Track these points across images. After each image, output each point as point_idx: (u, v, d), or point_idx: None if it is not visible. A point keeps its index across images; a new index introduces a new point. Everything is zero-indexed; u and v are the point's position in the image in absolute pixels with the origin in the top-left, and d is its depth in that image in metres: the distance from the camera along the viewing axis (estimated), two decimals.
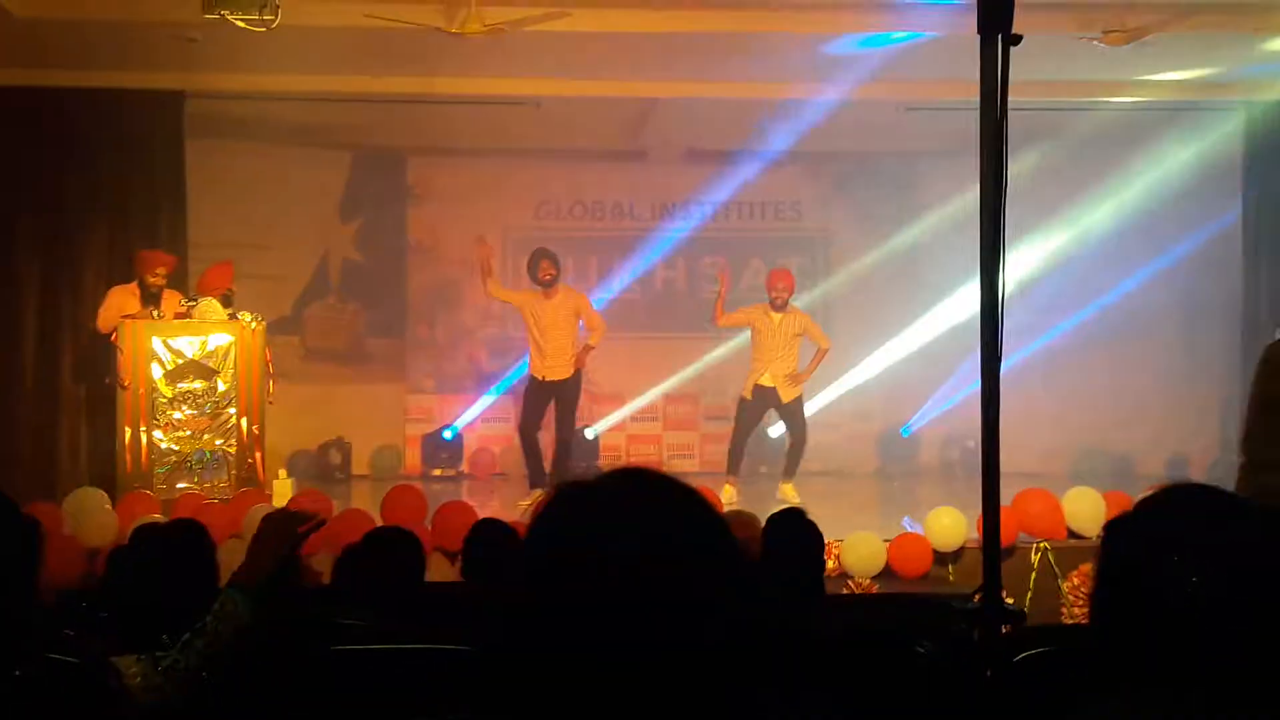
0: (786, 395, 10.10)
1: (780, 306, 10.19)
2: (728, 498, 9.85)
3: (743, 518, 5.70)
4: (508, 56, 9.61)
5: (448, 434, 12.26)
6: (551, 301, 10.03)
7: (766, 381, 10.12)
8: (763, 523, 5.58)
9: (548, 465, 10.05)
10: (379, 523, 7.36)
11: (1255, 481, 3.71)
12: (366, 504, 8.83)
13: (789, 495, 9.96)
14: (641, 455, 12.64)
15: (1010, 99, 3.64)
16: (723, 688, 1.34)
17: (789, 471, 10.17)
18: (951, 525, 8.03)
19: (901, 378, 12.58)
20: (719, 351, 12.36)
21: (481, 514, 8.39)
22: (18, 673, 2.13)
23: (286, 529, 2.96)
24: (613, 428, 12.72)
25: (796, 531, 4.68)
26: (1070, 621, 7.73)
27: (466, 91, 10.70)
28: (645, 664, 1.31)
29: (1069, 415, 12.22)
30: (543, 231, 12.79)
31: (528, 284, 10.32)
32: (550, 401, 10.10)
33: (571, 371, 10.04)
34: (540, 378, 10.00)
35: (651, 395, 12.83)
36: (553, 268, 10.05)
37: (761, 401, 10.18)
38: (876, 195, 12.85)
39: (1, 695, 2.10)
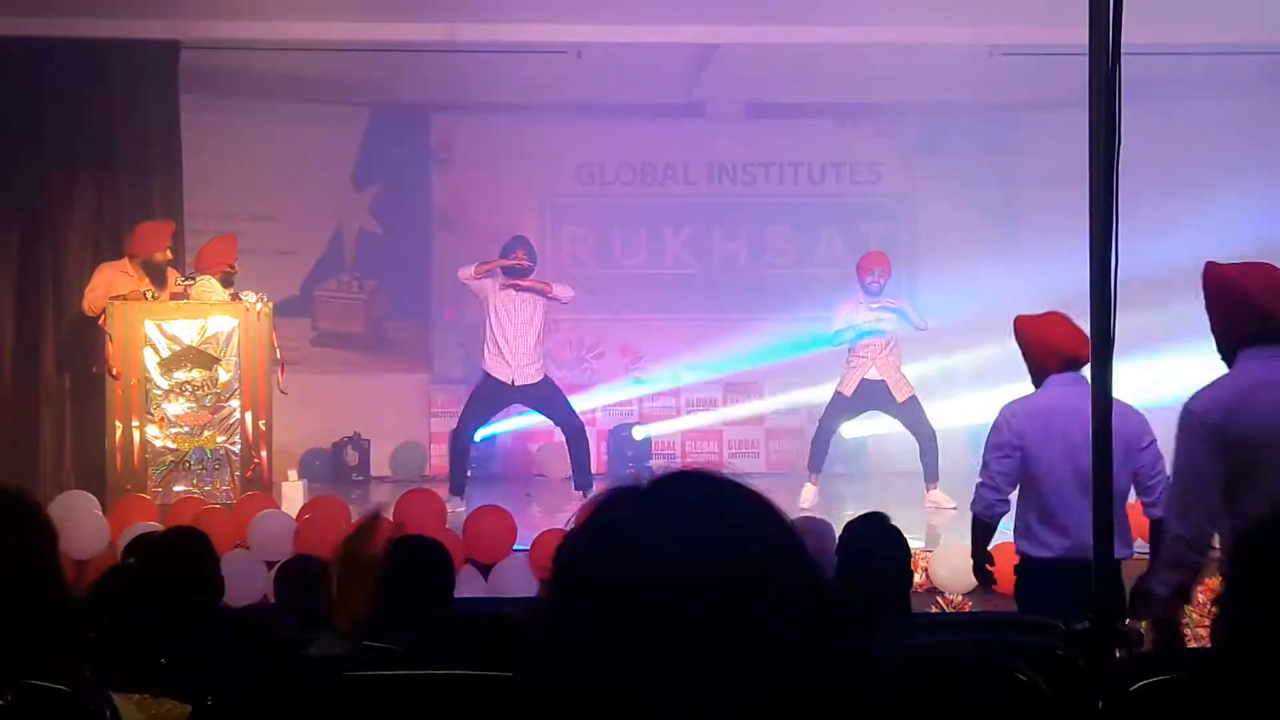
0: (901, 392, 10.09)
1: (877, 293, 10.20)
2: (808, 497, 9.91)
3: (815, 525, 5.70)
4: None
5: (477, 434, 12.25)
6: (523, 295, 10.06)
7: (874, 375, 10.12)
8: (838, 530, 5.58)
9: (563, 465, 10.17)
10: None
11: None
12: (386, 509, 8.88)
13: (941, 501, 10.00)
14: (699, 454, 12.65)
15: (1125, 41, 3.62)
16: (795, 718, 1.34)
17: (932, 475, 10.16)
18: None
19: (998, 364, 12.49)
20: (785, 335, 12.32)
21: (520, 521, 8.44)
22: (4, 700, 2.16)
23: (372, 553, 2.96)
24: (665, 416, 12.72)
25: (878, 540, 4.66)
26: (1194, 645, 7.66)
27: (498, 39, 10.72)
28: (703, 695, 1.32)
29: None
30: (585, 198, 12.82)
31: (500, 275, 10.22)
32: (505, 406, 10.27)
33: (541, 375, 10.11)
34: (506, 381, 10.02)
35: (709, 385, 12.82)
36: (528, 258, 10.10)
37: (867, 398, 10.16)
38: (966, 154, 12.77)
39: None
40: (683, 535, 1.36)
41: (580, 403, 11.57)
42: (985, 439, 5.38)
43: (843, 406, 10.24)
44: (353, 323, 12.89)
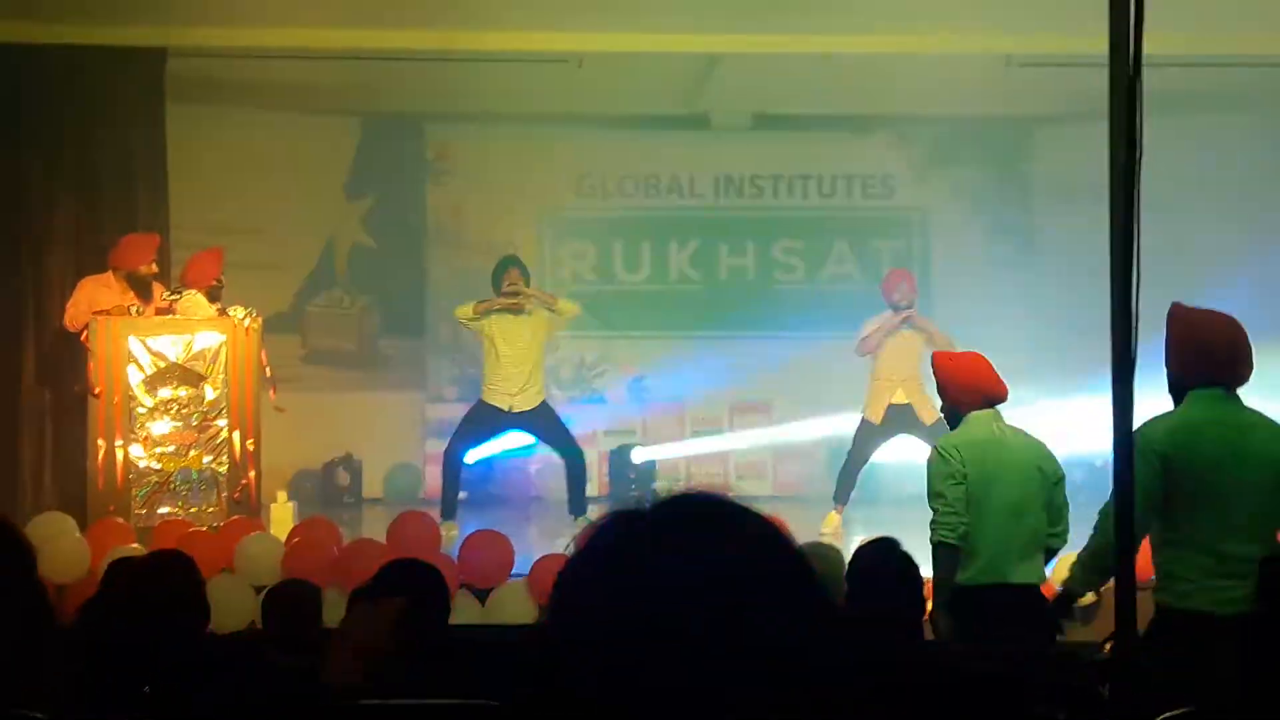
0: (928, 415, 10.05)
1: (904, 308, 10.24)
2: (832, 527, 9.91)
3: (823, 551, 5.69)
4: (543, 5, 9.65)
5: (469, 458, 12.24)
6: (521, 317, 10.08)
7: (900, 399, 10.12)
8: (848, 557, 5.58)
9: (563, 491, 10.21)
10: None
11: None
12: (379, 532, 8.87)
13: None
14: (704, 476, 12.63)
15: (1146, 52, 3.63)
16: None
17: None
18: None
19: (1013, 382, 12.49)
20: (795, 354, 12.31)
21: (518, 545, 8.43)
22: None
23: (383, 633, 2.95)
24: (669, 436, 12.72)
25: (889, 566, 4.67)
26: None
27: (496, 46, 10.74)
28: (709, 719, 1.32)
29: None
30: (585, 211, 12.83)
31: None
32: (500, 432, 10.30)
33: (540, 400, 10.13)
34: (504, 408, 10.03)
35: (714, 405, 12.81)
36: (521, 278, 10.12)
37: (896, 424, 10.16)
38: (981, 166, 12.78)
39: None
40: (687, 560, 1.36)
41: (581, 422, 11.58)
42: (930, 471, 5.74)
43: (874, 434, 10.22)
44: (345, 339, 12.89)
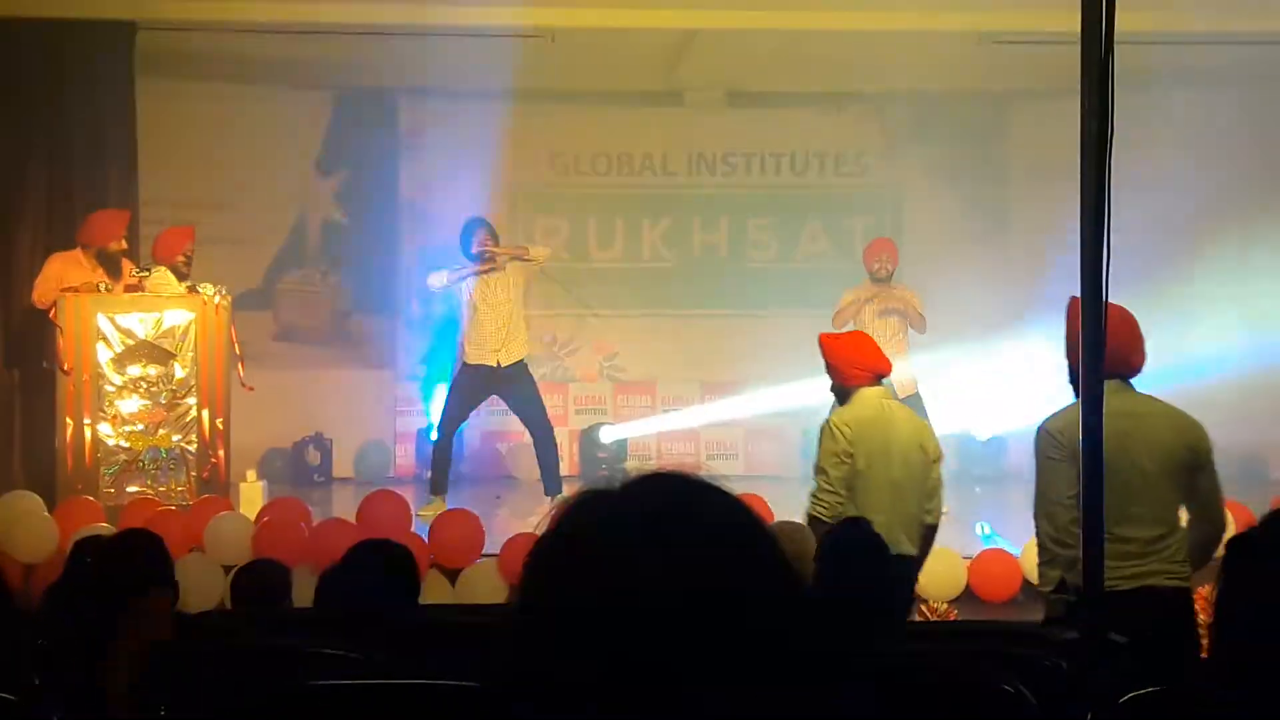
0: (903, 388, 10.06)
1: (883, 279, 10.23)
2: None
3: (793, 530, 5.71)
4: None
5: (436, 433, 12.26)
6: (498, 278, 10.12)
7: None
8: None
9: (535, 470, 10.23)
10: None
11: None
12: (349, 511, 8.87)
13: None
14: (675, 455, 12.64)
15: (1118, 29, 3.63)
16: None
17: None
18: None
19: (986, 360, 12.54)
20: (768, 332, 12.32)
21: (489, 524, 8.44)
22: None
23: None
24: (639, 415, 12.72)
25: (859, 547, 4.68)
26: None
27: (469, 21, 10.70)
28: (677, 699, 1.32)
29: (1185, 408, 12.13)
30: (558, 187, 12.80)
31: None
32: (486, 395, 10.26)
33: (524, 353, 10.17)
34: (491, 364, 10.07)
35: (685, 384, 12.82)
36: (490, 240, 10.17)
37: None
38: (954, 144, 12.79)
39: None
40: (656, 538, 1.37)
41: (552, 401, 11.57)
42: (819, 446, 6.09)
43: None
44: (316, 317, 12.85)
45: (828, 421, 6.12)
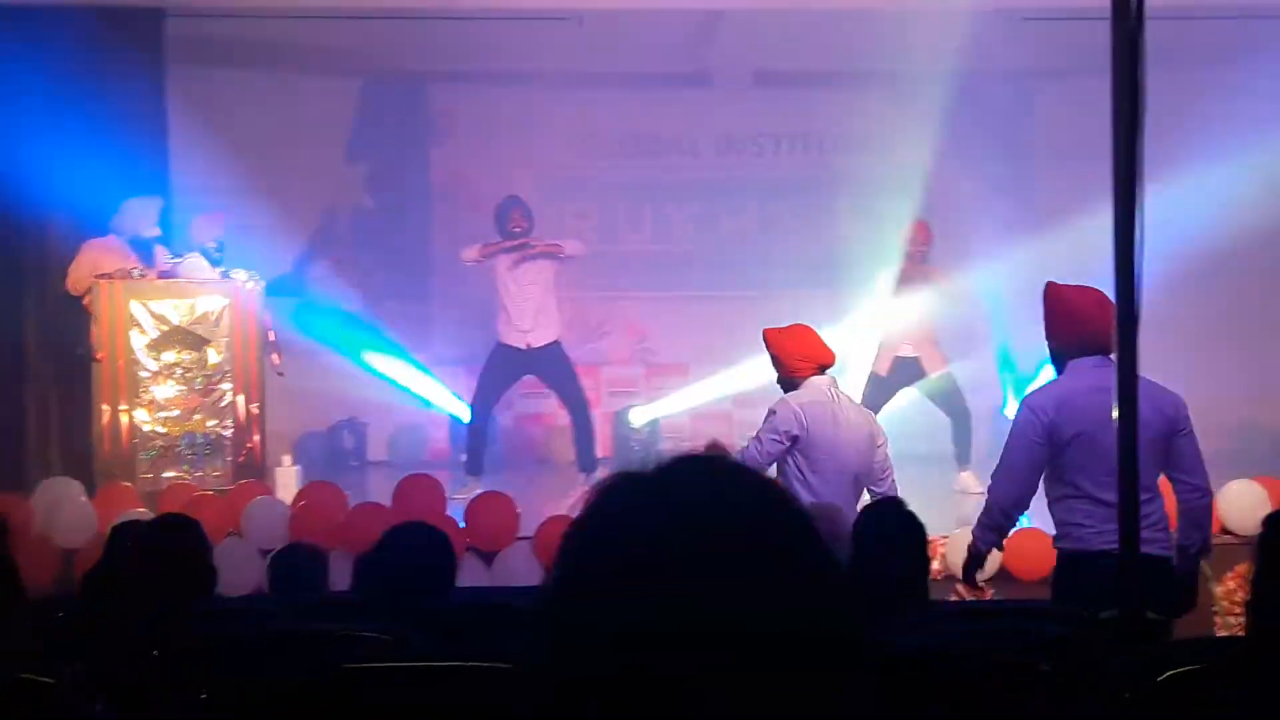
0: (934, 367, 10.08)
1: (920, 262, 10.19)
2: None
3: (828, 511, 5.71)
4: None
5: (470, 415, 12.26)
6: (532, 260, 10.17)
7: (908, 352, 10.12)
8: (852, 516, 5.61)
9: (571, 449, 10.26)
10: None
11: None
12: (385, 495, 8.90)
13: (970, 485, 10.00)
14: (709, 437, 12.62)
15: (1149, 4, 3.61)
16: (806, 713, 1.35)
17: (964, 457, 10.20)
18: None
19: (1019, 341, 12.50)
20: (797, 314, 12.29)
21: (522, 508, 8.46)
22: None
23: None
24: (675, 404, 12.72)
25: (894, 526, 4.68)
26: (1224, 634, 7.68)
27: (497, 5, 10.71)
28: (713, 684, 1.32)
29: (1221, 384, 12.08)
30: (587, 171, 12.78)
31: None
32: (519, 376, 10.33)
33: (555, 336, 10.22)
34: (520, 346, 10.14)
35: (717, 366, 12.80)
36: (524, 219, 10.20)
37: (901, 375, 10.15)
38: (983, 124, 12.73)
39: None
40: (692, 521, 1.37)
41: (584, 384, 11.57)
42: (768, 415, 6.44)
43: (880, 387, 10.15)
44: (348, 301, 12.87)
45: (783, 399, 6.45)
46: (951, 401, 10.16)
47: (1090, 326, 5.15)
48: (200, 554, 4.75)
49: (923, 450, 11.02)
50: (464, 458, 10.51)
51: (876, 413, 10.25)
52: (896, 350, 10.16)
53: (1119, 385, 3.68)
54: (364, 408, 12.29)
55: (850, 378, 10.67)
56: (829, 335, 10.72)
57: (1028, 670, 3.24)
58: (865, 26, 11.23)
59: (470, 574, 7.61)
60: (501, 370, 10.23)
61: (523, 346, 10.11)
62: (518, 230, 10.16)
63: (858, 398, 10.38)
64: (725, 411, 12.85)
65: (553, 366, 10.25)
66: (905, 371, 10.12)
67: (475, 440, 10.26)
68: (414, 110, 12.75)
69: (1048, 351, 5.46)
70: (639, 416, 12.36)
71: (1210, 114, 11.69)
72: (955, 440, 10.19)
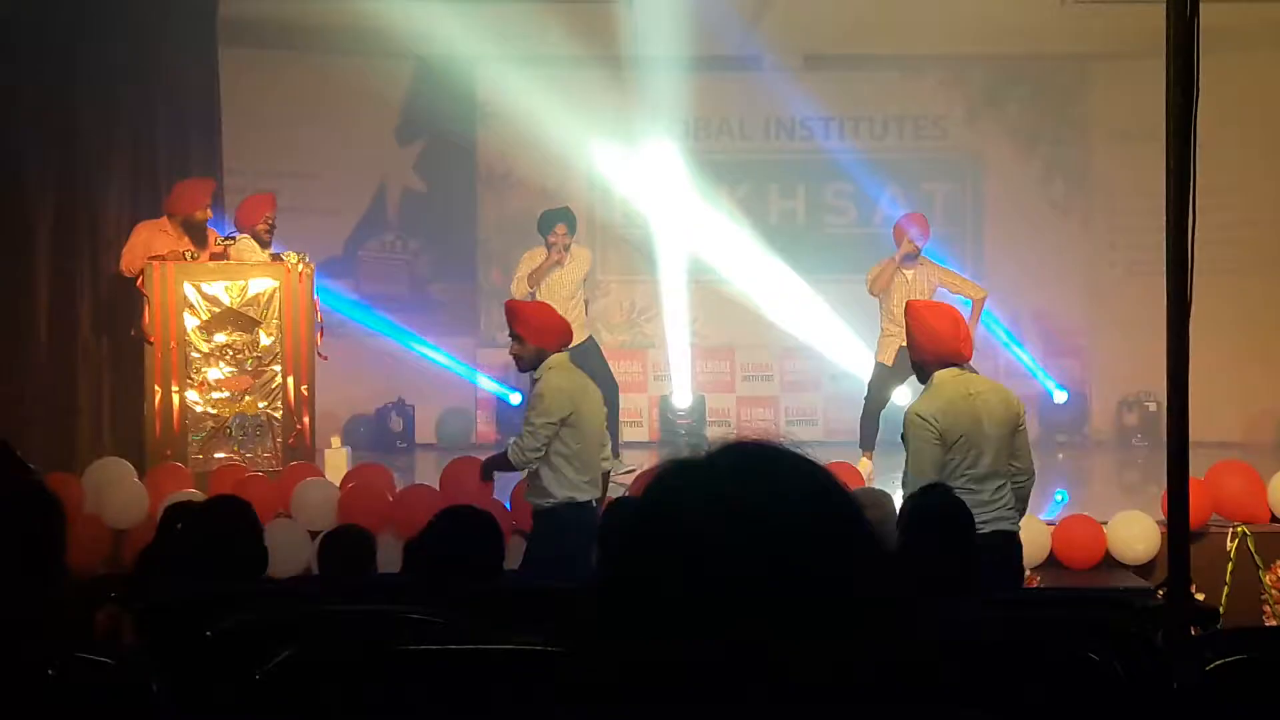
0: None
1: (913, 259, 10.10)
2: (865, 471, 9.88)
3: (875, 497, 5.70)
4: None
5: (515, 398, 12.33)
6: (563, 266, 10.22)
7: None
8: (898, 503, 5.60)
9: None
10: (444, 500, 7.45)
11: None
12: (432, 477, 8.94)
13: None
14: (755, 422, 12.63)
15: None
16: (857, 698, 1.35)
17: None
18: (1141, 534, 7.87)
19: (1069, 325, 12.45)
20: (845, 298, 12.28)
21: None
22: (50, 672, 2.20)
23: None
24: (722, 389, 12.72)
25: (941, 513, 4.67)
26: (1274, 622, 7.63)
27: None
28: (766, 668, 1.33)
29: (1275, 370, 12.00)
30: (635, 154, 12.76)
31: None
32: None
33: (586, 335, 10.30)
34: None
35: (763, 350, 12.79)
36: (569, 234, 10.25)
37: (907, 366, 10.07)
38: (1036, 107, 12.67)
39: (33, 696, 2.18)
40: (745, 507, 1.38)
41: (630, 368, 11.61)
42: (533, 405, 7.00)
43: (886, 378, 10.15)
44: (397, 284, 12.94)
45: (540, 383, 6.99)
46: None
47: (949, 343, 5.96)
48: (251, 535, 4.79)
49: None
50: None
51: (886, 402, 10.26)
52: (901, 341, 10.11)
53: (1169, 364, 3.66)
54: (411, 390, 12.35)
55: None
56: (878, 322, 10.81)
57: (1076, 659, 3.23)
58: (916, 10, 11.19)
59: (517, 557, 7.63)
60: None
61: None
62: (559, 246, 10.20)
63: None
64: (772, 396, 12.84)
65: (586, 361, 10.33)
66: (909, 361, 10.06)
67: None
68: (463, 94, 12.77)
69: (912, 365, 6.25)
70: (684, 401, 12.37)
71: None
72: None
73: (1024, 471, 6.02)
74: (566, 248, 10.20)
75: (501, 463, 7.23)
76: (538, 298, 10.16)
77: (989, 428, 5.87)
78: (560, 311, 10.17)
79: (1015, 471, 5.97)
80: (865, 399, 10.32)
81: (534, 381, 7.24)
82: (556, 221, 10.25)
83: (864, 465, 10.04)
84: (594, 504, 6.83)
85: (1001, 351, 12.04)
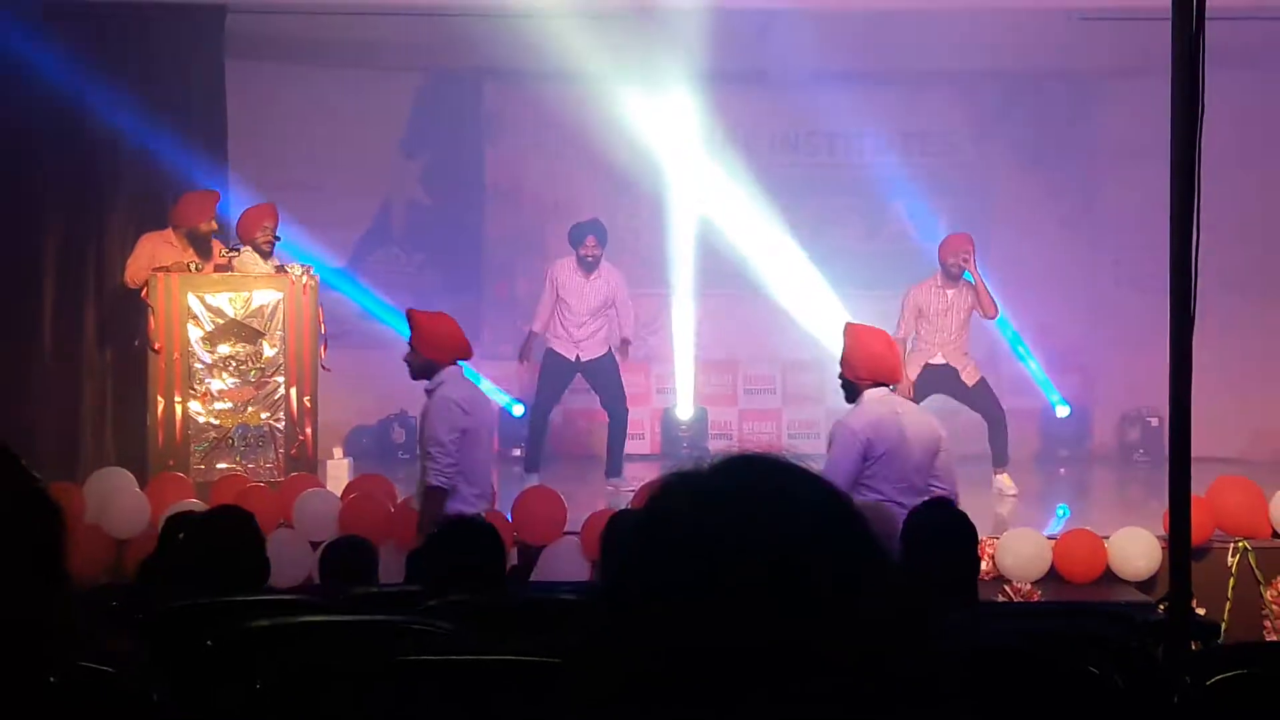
0: (970, 375, 10.07)
1: (956, 279, 10.10)
2: None
3: (879, 510, 5.70)
4: None
5: (518, 410, 12.33)
6: (591, 279, 10.35)
7: (939, 360, 10.09)
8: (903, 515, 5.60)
9: (602, 448, 10.58)
10: None
11: None
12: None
13: (1008, 485, 10.12)
14: (757, 435, 12.63)
15: (1210, 5, 3.60)
16: (859, 709, 1.35)
17: (1000, 459, 10.21)
18: (1142, 551, 7.86)
19: (1073, 341, 12.45)
20: (851, 313, 12.28)
21: (570, 502, 8.48)
22: (51, 679, 2.21)
23: None
24: (724, 402, 12.72)
25: (945, 526, 4.67)
26: (1275, 638, 7.62)
27: (553, 2, 10.72)
28: (769, 680, 1.33)
29: (1277, 385, 12.00)
30: (642, 168, 12.76)
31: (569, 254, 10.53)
32: (569, 381, 10.57)
33: (606, 349, 10.48)
34: (570, 357, 10.44)
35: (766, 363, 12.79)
36: (599, 245, 10.37)
37: (933, 383, 10.09)
38: (1042, 124, 12.68)
39: (34, 703, 2.18)
40: (748, 520, 1.38)
41: (634, 380, 11.63)
42: (439, 423, 7.11)
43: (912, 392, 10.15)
44: (401, 297, 12.93)
45: (448, 399, 7.09)
46: (988, 406, 10.13)
47: (882, 363, 6.39)
48: (253, 546, 4.79)
49: (966, 450, 10.97)
50: (518, 451, 10.74)
51: None
52: (929, 357, 10.13)
53: (1171, 380, 3.66)
54: (414, 402, 12.31)
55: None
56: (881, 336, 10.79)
57: (1077, 672, 3.23)
58: (923, 25, 11.20)
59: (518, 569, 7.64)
60: (554, 376, 10.49)
61: (572, 358, 10.31)
62: (589, 258, 10.27)
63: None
64: (774, 409, 12.84)
65: (601, 375, 10.45)
66: (936, 378, 10.09)
67: (534, 436, 10.59)
68: (469, 107, 12.80)
69: (841, 382, 6.53)
70: (687, 413, 12.38)
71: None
72: (992, 442, 10.17)
73: (948, 493, 6.25)
74: (597, 260, 10.28)
75: (433, 505, 7.00)
76: (565, 301, 10.25)
77: (913, 445, 6.36)
78: (585, 326, 10.29)
79: (940, 491, 6.25)
80: None
81: (428, 393, 7.32)
82: (587, 234, 10.35)
83: None
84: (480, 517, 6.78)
85: (1004, 364, 12.02)
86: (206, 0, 10.65)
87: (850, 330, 6.67)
